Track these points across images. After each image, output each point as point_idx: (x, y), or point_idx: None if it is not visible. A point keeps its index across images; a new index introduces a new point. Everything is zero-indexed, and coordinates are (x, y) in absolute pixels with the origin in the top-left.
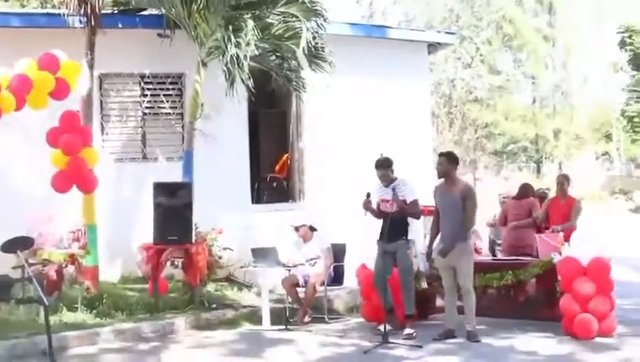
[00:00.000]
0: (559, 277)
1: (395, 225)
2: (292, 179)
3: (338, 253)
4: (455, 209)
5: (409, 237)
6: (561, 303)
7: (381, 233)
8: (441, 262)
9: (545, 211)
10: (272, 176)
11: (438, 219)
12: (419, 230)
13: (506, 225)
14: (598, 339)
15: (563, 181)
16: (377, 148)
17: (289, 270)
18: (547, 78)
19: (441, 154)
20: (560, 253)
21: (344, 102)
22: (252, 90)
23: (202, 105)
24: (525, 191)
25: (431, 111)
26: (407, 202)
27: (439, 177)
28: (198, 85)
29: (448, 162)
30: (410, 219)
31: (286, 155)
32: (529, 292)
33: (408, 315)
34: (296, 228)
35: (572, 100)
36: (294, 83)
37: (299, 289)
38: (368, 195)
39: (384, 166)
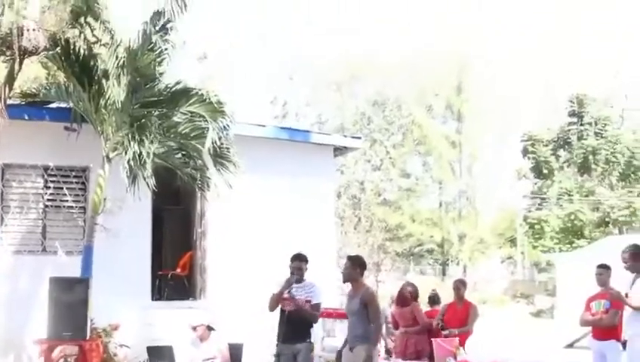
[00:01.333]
0: None
1: (299, 325)
2: (194, 277)
3: (235, 353)
4: (357, 313)
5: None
6: None
7: (284, 334)
8: None
9: (442, 316)
10: (173, 273)
11: None
12: (317, 332)
13: (397, 329)
14: None
15: (459, 286)
16: (280, 249)
17: None
18: (453, 182)
19: (347, 258)
20: (455, 357)
21: (249, 202)
22: (155, 187)
23: (105, 200)
24: (404, 296)
25: (337, 213)
26: (312, 303)
27: (344, 281)
28: (101, 180)
29: (352, 266)
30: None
31: (189, 253)
32: None
33: None
34: (194, 328)
35: (477, 205)
36: (199, 182)
37: None
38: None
39: (302, 259)
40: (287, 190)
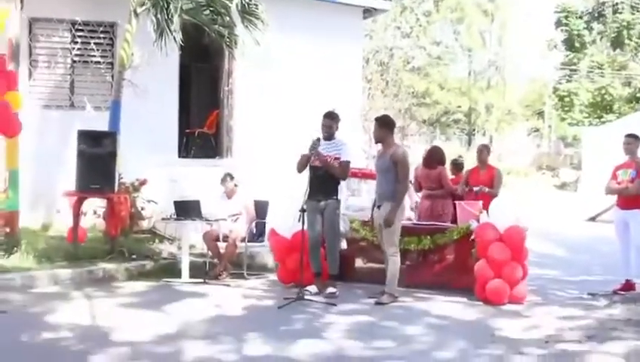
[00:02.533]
0: (475, 244)
1: (326, 182)
2: (220, 136)
3: (261, 209)
4: (386, 171)
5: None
6: (475, 268)
7: (311, 190)
8: (375, 221)
9: (465, 181)
10: (201, 131)
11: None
12: (342, 191)
13: (420, 190)
14: (509, 306)
15: (483, 150)
16: (307, 107)
17: (211, 224)
18: (483, 52)
19: (375, 120)
20: (478, 221)
21: (276, 61)
22: (182, 42)
23: (132, 55)
24: (433, 158)
25: (364, 76)
26: (340, 160)
27: (375, 142)
28: (129, 35)
29: (380, 127)
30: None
31: (216, 111)
32: (446, 257)
33: (332, 275)
34: (225, 179)
35: (506, 76)
36: (227, 39)
37: (220, 244)
38: (319, 140)
39: (333, 117)
40: (315, 50)
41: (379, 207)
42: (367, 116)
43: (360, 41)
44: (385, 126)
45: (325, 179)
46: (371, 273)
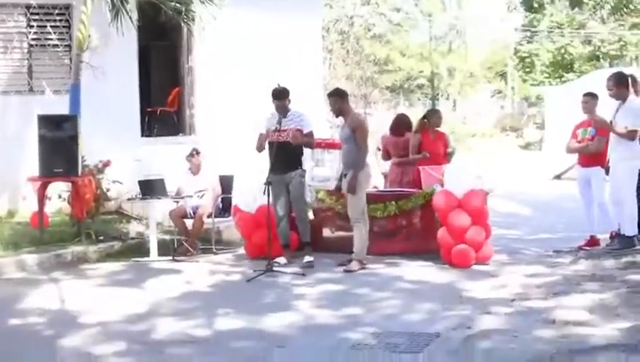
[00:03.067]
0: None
1: (290, 155)
2: (182, 113)
3: (226, 184)
4: (348, 140)
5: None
6: (438, 236)
7: (274, 164)
8: (343, 190)
9: (416, 146)
10: (163, 109)
11: None
12: (307, 161)
13: (389, 159)
14: (477, 267)
15: (441, 116)
16: (268, 81)
17: (177, 202)
18: (444, 16)
19: (327, 95)
20: (442, 185)
21: (235, 35)
22: (138, 22)
23: (89, 36)
24: (400, 126)
25: (325, 46)
26: (305, 132)
27: (336, 117)
28: (84, 16)
29: (333, 101)
30: (305, 150)
31: (177, 89)
32: (413, 223)
33: (306, 243)
34: (191, 154)
35: (467, 39)
36: (184, 16)
37: (187, 221)
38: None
39: (282, 96)
40: (274, 22)
41: (345, 175)
42: (328, 86)
43: (319, 12)
44: (336, 96)
45: (288, 151)
46: (339, 242)
